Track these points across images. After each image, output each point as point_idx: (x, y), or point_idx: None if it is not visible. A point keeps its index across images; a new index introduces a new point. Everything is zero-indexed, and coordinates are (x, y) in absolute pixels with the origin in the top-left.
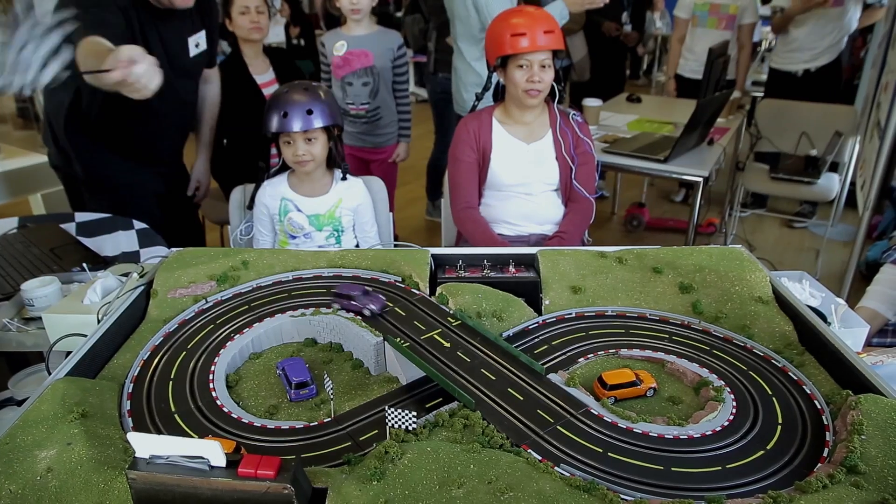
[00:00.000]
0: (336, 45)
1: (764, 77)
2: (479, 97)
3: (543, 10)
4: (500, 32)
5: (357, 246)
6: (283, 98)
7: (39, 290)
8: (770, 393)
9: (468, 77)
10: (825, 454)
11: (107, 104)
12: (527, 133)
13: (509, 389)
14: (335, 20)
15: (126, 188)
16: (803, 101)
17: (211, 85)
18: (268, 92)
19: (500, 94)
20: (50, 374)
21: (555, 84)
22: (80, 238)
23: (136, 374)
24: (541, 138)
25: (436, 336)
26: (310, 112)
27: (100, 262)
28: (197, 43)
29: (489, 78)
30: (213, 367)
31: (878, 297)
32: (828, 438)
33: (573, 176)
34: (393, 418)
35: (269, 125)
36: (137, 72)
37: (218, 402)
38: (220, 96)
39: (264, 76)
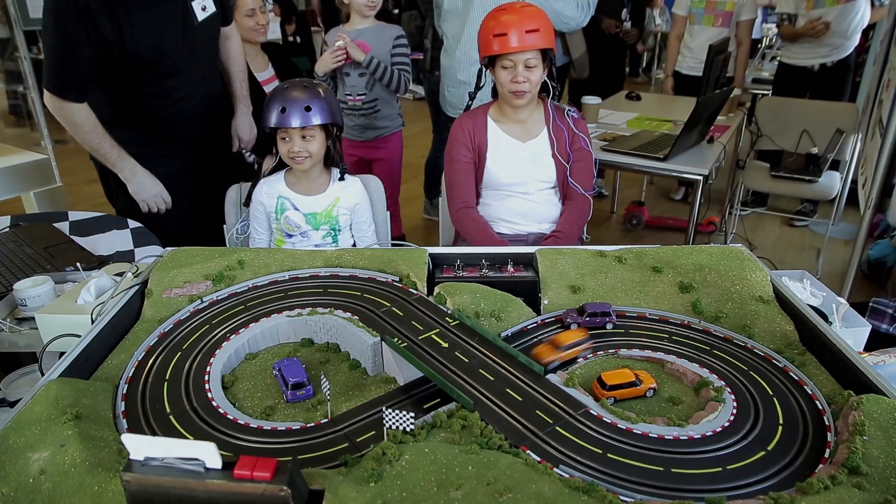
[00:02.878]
0: (336, 41)
1: (765, 74)
2: (472, 96)
3: (532, 6)
4: (484, 32)
5: (354, 245)
6: (283, 94)
7: (32, 289)
8: (771, 393)
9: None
10: (827, 455)
11: (130, 91)
12: (522, 131)
13: (508, 390)
14: (335, 17)
15: (161, 179)
16: (814, 98)
17: (232, 41)
18: (268, 89)
19: (495, 92)
20: (43, 374)
21: (549, 81)
22: (73, 237)
23: (130, 374)
24: (536, 136)
25: (434, 336)
26: (308, 109)
27: (94, 262)
28: (203, 6)
29: (479, 76)
30: (208, 368)
31: None
32: (829, 439)
33: (568, 173)
34: (390, 419)
35: (268, 120)
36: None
37: (214, 404)
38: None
39: (264, 73)
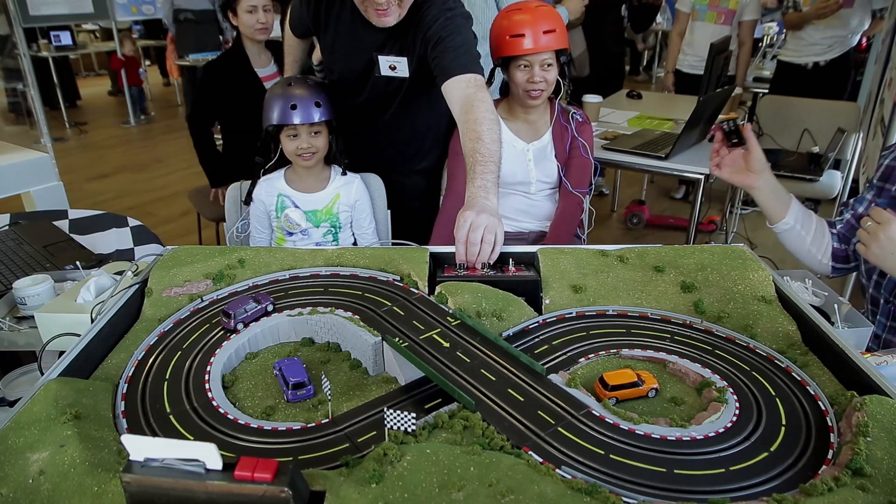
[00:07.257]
0: None
1: (766, 73)
2: None
3: (546, 6)
4: (499, 32)
5: (355, 243)
6: (288, 91)
7: (32, 288)
8: (773, 394)
9: None
10: (830, 456)
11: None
12: (528, 132)
13: (509, 390)
14: None
15: None
16: (809, 97)
17: (474, 110)
18: (270, 86)
19: (505, 90)
20: (42, 374)
21: (561, 80)
22: (73, 235)
23: (130, 374)
24: (541, 137)
25: (435, 336)
26: (318, 105)
27: (93, 260)
28: (392, 65)
29: (491, 75)
30: (208, 368)
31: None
32: (832, 440)
33: (562, 173)
34: (392, 420)
35: (274, 117)
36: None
37: (214, 403)
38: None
39: (266, 70)
